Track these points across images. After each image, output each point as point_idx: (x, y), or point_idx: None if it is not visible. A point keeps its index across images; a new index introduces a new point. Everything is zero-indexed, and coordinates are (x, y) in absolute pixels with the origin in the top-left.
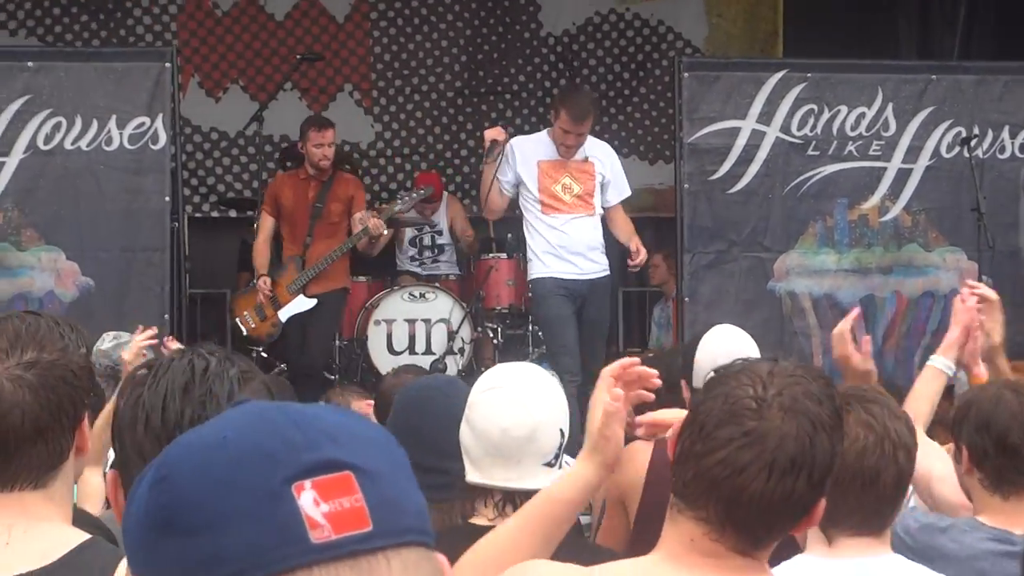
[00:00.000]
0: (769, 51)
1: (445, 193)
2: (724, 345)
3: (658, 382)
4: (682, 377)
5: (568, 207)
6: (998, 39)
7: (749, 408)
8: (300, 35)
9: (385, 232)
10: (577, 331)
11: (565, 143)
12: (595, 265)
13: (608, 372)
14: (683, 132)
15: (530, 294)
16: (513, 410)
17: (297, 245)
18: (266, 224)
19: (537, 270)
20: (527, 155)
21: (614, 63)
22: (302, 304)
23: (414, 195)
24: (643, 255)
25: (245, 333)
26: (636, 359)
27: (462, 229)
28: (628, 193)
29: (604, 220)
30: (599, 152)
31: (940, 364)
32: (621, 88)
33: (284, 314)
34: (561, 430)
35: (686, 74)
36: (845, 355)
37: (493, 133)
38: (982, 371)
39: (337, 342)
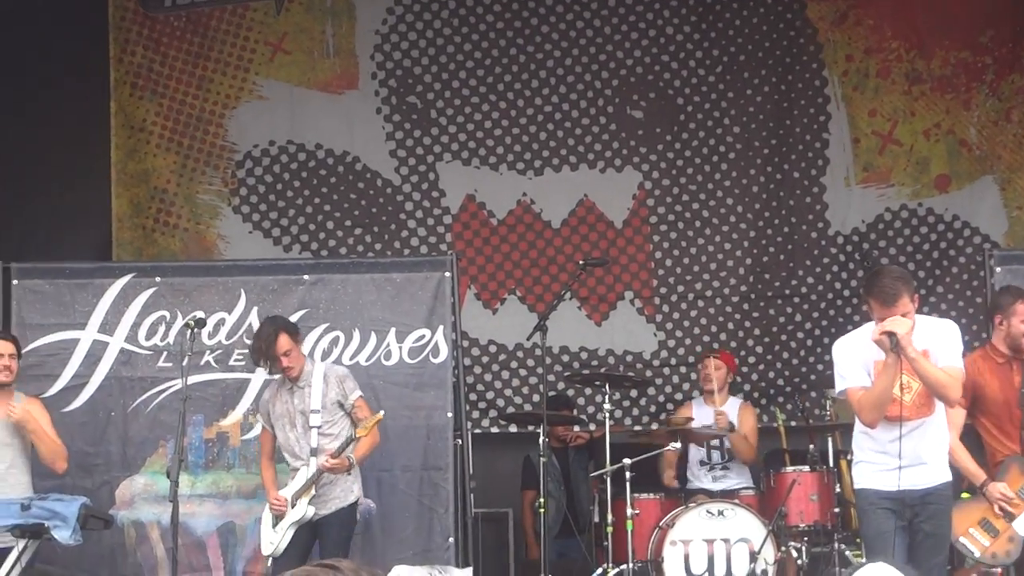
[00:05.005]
0: None
1: (739, 400)
2: None
3: None
4: None
5: (907, 410)
6: None
7: None
8: (577, 242)
9: None
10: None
11: None
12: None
13: None
14: None
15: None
16: None
17: (1013, 440)
18: None
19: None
20: (866, 357)
21: (908, 260)
22: None
23: None
24: None
25: (977, 555)
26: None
27: (748, 435)
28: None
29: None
30: (931, 335)
31: None
32: (918, 287)
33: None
34: None
35: (998, 269)
36: None
37: (887, 326)
38: None
39: (629, 565)
